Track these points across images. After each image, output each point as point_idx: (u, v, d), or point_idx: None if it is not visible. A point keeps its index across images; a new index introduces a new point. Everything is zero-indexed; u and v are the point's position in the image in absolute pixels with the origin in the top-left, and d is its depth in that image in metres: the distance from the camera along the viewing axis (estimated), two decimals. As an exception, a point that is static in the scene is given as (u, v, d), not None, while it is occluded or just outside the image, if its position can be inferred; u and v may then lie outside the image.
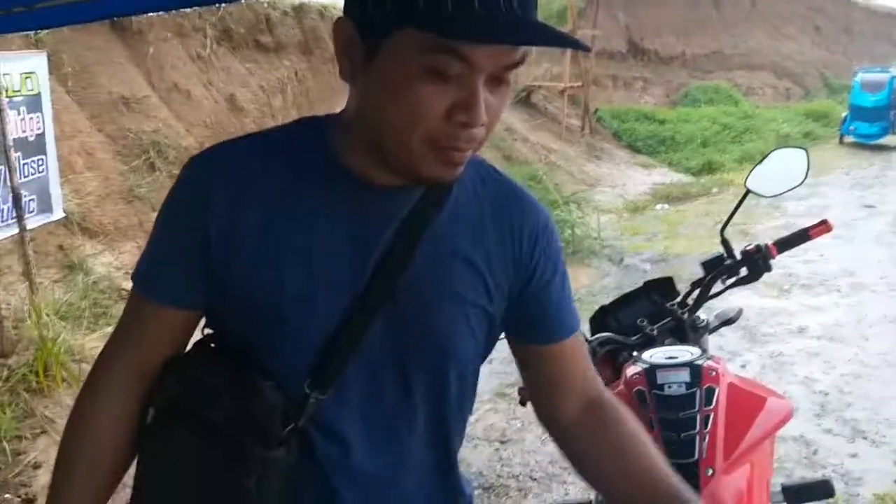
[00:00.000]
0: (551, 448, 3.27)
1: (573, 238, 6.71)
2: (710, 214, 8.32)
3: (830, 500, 1.86)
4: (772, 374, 3.93)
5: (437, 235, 0.82)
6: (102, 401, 0.85)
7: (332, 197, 0.81)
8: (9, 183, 3.59)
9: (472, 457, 3.18)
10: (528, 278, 0.88)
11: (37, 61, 3.92)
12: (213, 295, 0.82)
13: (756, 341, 4.38)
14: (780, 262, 1.70)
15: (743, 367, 4.01)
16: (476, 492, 2.93)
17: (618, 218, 8.48)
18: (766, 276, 1.67)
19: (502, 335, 0.93)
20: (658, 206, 9.28)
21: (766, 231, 7.27)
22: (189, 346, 0.88)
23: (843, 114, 15.11)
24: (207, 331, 0.88)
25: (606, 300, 1.87)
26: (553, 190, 7.36)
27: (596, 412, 0.92)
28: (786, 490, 1.47)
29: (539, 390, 0.96)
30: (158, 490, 0.83)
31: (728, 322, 1.75)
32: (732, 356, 4.12)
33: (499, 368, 4.07)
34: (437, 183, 0.77)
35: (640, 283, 1.78)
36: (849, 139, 14.67)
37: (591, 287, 5.76)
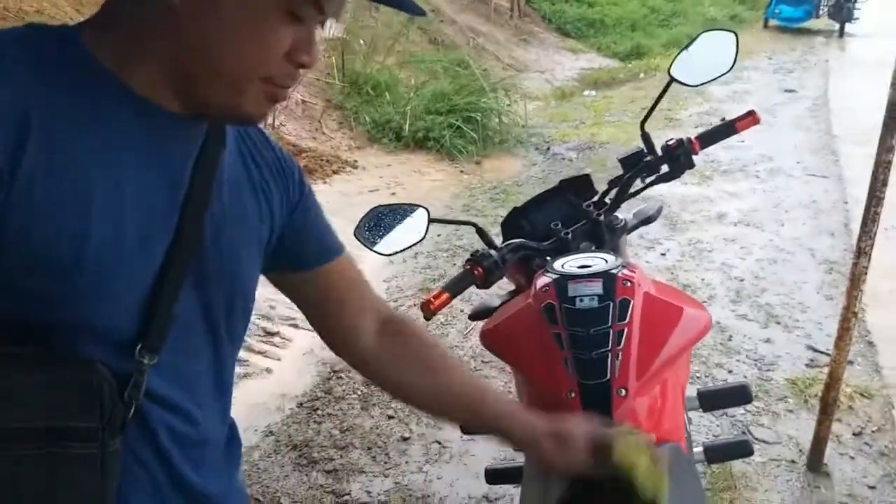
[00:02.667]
0: (474, 343, 3.26)
1: (500, 126, 6.55)
2: (637, 101, 8.25)
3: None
4: (691, 261, 3.98)
5: (225, 171, 0.77)
6: None
7: (131, 130, 0.68)
8: None
9: (395, 356, 3.13)
10: (291, 210, 0.88)
11: None
12: None
13: (676, 229, 4.41)
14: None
15: (663, 255, 4.04)
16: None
17: (545, 105, 8.32)
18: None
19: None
20: (585, 93, 9.13)
21: (689, 117, 7.28)
22: None
23: (770, -4, 15.02)
24: None
25: (532, 190, 1.74)
26: (480, 76, 7.08)
27: (392, 333, 0.96)
28: (702, 397, 1.42)
29: (325, 322, 0.96)
30: None
31: (648, 220, 1.66)
32: (653, 244, 4.14)
33: (423, 263, 4.00)
34: (250, 121, 0.74)
35: (564, 173, 1.65)
36: (773, 23, 14.66)
37: (517, 177, 5.67)
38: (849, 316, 2.04)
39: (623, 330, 1.14)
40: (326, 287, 0.93)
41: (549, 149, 6.42)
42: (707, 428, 2.49)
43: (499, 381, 2.90)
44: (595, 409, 1.10)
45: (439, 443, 2.55)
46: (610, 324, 1.14)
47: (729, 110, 7.31)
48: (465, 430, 1.69)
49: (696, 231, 4.39)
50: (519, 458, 1.91)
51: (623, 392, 1.10)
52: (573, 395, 1.12)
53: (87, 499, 0.66)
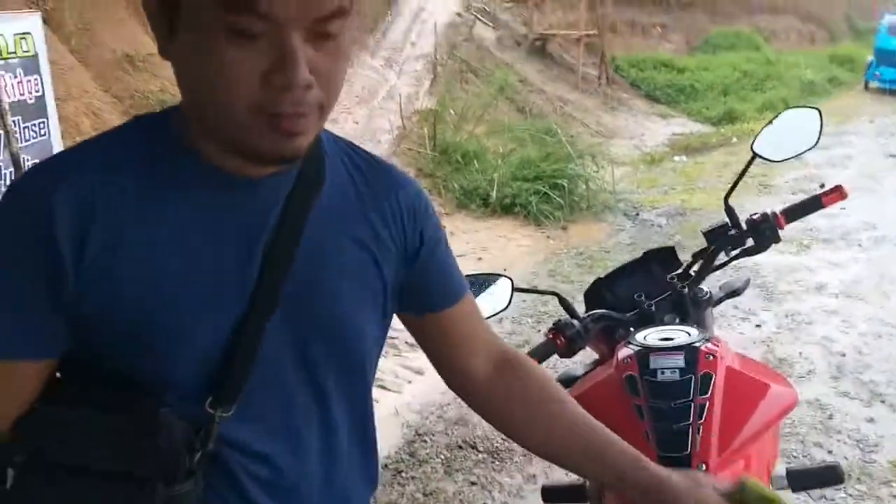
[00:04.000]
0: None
1: (587, 192, 6.60)
2: (729, 165, 8.12)
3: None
4: (788, 333, 3.84)
5: (320, 222, 0.77)
6: None
7: (198, 196, 0.72)
8: (7, 147, 3.54)
9: (477, 419, 3.14)
10: (415, 251, 0.86)
11: (31, 22, 3.84)
12: (74, 332, 0.71)
13: (773, 300, 4.27)
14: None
15: (758, 326, 3.92)
16: (481, 456, 2.90)
17: (634, 170, 8.31)
18: (784, 230, 1.55)
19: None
20: (676, 158, 9.07)
21: (785, 183, 7.09)
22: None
23: (869, 58, 14.59)
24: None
25: (621, 256, 1.77)
26: (567, 143, 7.19)
27: (510, 373, 0.95)
28: (791, 475, 1.39)
29: (445, 361, 0.96)
30: None
31: (734, 294, 1.65)
32: (748, 315, 4.02)
33: (509, 328, 4.03)
34: (280, 158, 0.70)
35: (655, 241, 1.68)
36: (874, 85, 14.21)
37: (604, 243, 5.66)
38: (957, 396, 1.93)
39: (705, 404, 1.15)
40: (443, 330, 0.93)
41: (637, 214, 6.39)
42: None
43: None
44: (676, 483, 1.11)
45: (522, 511, 2.53)
46: (691, 397, 1.15)
47: (827, 176, 7.07)
48: (546, 498, 1.69)
49: (794, 302, 4.24)
50: (574, 476, 1.85)
51: (703, 467, 1.10)
52: (653, 468, 1.12)
53: None
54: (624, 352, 1.29)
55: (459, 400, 3.23)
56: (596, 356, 1.64)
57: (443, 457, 2.87)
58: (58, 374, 0.75)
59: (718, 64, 13.96)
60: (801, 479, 1.40)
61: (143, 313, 0.69)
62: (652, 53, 14.08)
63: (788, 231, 1.57)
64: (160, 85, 6.04)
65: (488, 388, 0.95)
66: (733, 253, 1.57)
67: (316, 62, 0.65)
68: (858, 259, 4.94)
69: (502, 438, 3.01)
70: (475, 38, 10.96)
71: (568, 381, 1.57)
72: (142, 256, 0.70)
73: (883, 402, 3.08)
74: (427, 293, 0.90)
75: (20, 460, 0.71)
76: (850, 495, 2.44)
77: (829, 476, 1.39)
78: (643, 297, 1.51)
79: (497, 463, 2.84)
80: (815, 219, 5.72)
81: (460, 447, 2.94)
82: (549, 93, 10.41)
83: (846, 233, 5.48)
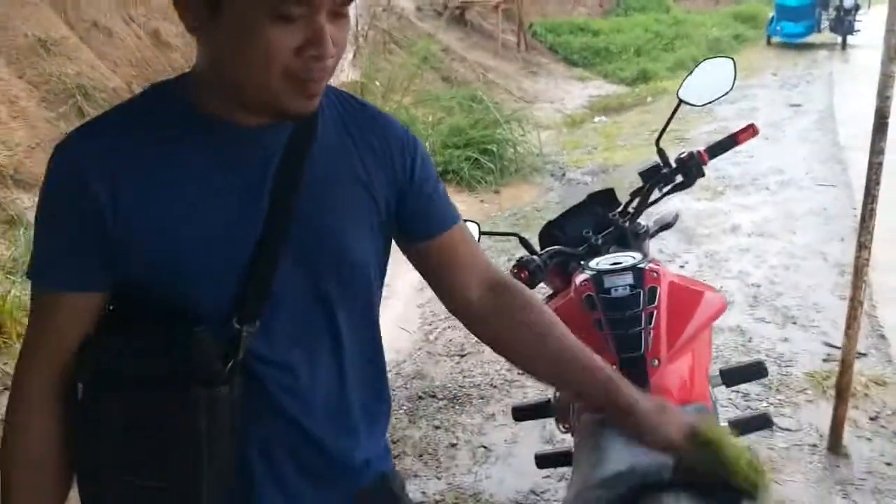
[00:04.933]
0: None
1: (516, 156, 6.80)
2: (646, 124, 8.50)
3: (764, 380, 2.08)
4: (708, 271, 4.17)
5: (318, 161, 0.90)
6: (35, 414, 0.88)
7: (209, 146, 0.86)
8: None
9: (435, 371, 3.34)
10: (406, 187, 0.98)
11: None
12: (118, 269, 0.85)
13: (693, 242, 4.62)
14: (713, 165, 1.80)
15: (682, 266, 4.24)
16: (441, 403, 3.10)
17: (558, 133, 8.58)
18: (701, 179, 1.79)
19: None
20: (596, 119, 9.40)
21: (699, 135, 7.51)
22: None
23: (770, 15, 15.32)
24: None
25: (551, 215, 1.96)
26: (493, 109, 7.37)
27: (504, 294, 1.03)
28: (723, 374, 1.63)
29: (440, 283, 1.05)
30: (108, 451, 0.85)
31: (667, 226, 1.88)
32: (672, 257, 4.34)
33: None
34: (300, 115, 0.84)
35: (582, 196, 1.89)
36: (776, 40, 14.92)
37: (535, 203, 5.91)
38: (855, 305, 2.24)
39: (653, 312, 1.37)
40: (439, 256, 1.02)
41: (564, 174, 6.66)
42: (735, 414, 2.68)
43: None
44: (634, 377, 1.32)
45: (485, 447, 2.74)
46: (641, 307, 1.37)
47: (735, 127, 7.50)
48: (517, 417, 1.91)
49: (713, 243, 4.59)
50: (565, 443, 2.10)
51: (656, 362, 1.32)
52: (615, 367, 1.33)
53: (183, 430, 0.83)
54: (581, 277, 1.49)
55: (415, 356, 3.46)
56: (549, 293, 1.85)
57: (405, 408, 3.05)
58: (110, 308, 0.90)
59: (631, 26, 14.38)
60: (732, 376, 1.65)
61: (168, 254, 0.84)
62: (567, 18, 14.39)
63: (704, 180, 1.80)
64: (78, 68, 5.87)
65: (482, 309, 1.03)
66: (666, 189, 1.79)
67: (333, 35, 0.80)
68: (767, 201, 5.36)
69: (459, 385, 3.21)
70: (395, 8, 10.96)
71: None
72: (165, 204, 0.84)
73: (794, 323, 3.44)
74: (422, 220, 1.00)
75: (87, 377, 0.86)
76: (772, 404, 2.77)
77: (755, 371, 1.64)
78: (590, 233, 1.72)
79: (458, 407, 3.04)
80: (727, 167, 6.17)
81: (420, 398, 3.12)
82: (471, 61, 10.55)
83: (755, 178, 5.91)
